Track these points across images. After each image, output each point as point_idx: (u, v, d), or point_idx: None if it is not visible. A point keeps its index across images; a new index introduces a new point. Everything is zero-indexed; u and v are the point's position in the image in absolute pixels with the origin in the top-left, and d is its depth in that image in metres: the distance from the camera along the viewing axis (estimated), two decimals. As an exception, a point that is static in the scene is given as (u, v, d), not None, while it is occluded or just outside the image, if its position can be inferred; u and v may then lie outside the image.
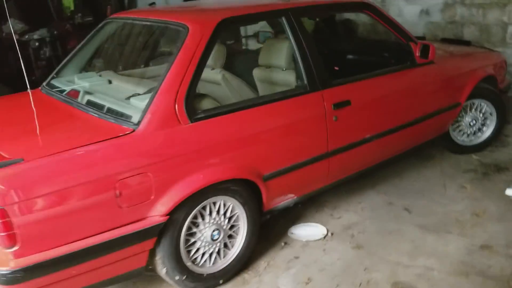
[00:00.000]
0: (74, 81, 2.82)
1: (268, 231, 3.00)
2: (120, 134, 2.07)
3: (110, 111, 2.29)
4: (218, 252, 2.49)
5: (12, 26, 5.91)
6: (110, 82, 2.79)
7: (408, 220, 3.05)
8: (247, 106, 2.45)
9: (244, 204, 2.48)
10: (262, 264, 2.71)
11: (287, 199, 2.76)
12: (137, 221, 2.10)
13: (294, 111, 2.60)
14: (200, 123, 2.26)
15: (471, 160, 3.84)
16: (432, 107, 3.34)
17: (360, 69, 3.06)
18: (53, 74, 2.99)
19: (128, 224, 2.07)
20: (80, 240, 1.97)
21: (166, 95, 2.19)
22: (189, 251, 2.38)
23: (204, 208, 2.37)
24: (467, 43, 4.32)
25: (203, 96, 2.47)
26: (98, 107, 2.36)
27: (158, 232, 2.16)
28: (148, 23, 2.77)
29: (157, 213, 2.14)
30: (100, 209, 2.00)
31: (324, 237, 2.92)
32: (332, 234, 2.95)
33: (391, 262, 2.64)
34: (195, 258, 2.42)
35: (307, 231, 2.99)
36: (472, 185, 3.45)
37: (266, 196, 2.56)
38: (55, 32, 5.96)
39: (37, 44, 5.89)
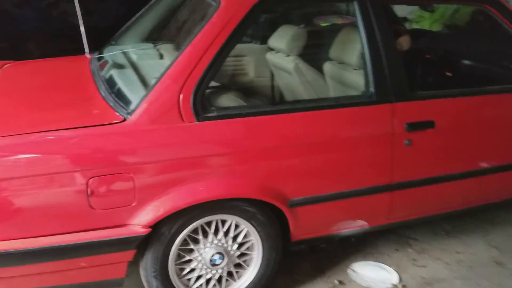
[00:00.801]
0: (126, 51, 2.56)
1: (325, 259, 2.48)
2: (105, 123, 1.73)
3: (117, 92, 1.96)
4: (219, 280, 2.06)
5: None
6: (161, 57, 2.48)
7: (515, 293, 2.28)
8: (280, 110, 1.93)
9: (259, 230, 1.99)
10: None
11: (329, 232, 2.19)
12: (113, 227, 1.76)
13: (345, 125, 2.01)
14: (209, 123, 1.81)
15: None
16: None
17: (476, 79, 2.32)
18: (111, 40, 2.76)
19: (100, 228, 1.74)
20: (41, 236, 1.70)
21: (171, 84, 1.78)
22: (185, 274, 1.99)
23: (208, 225, 1.95)
24: None
25: (223, 90, 2.01)
26: (112, 85, 2.05)
27: (137, 245, 1.80)
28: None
29: (138, 222, 1.77)
30: (67, 207, 1.69)
31: (393, 288, 2.30)
32: (404, 286, 2.32)
33: None
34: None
35: (374, 274, 2.39)
36: None
37: (294, 225, 2.04)
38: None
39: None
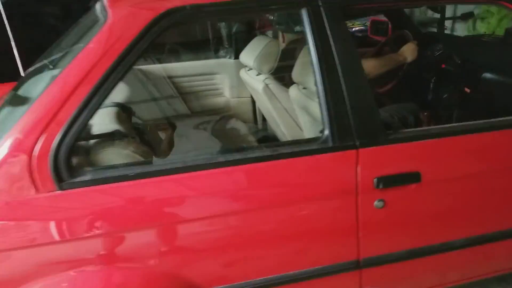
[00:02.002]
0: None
1: None
2: None
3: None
4: None
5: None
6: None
7: None
8: (187, 167, 1.36)
9: None
10: None
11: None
12: None
13: (285, 185, 1.42)
14: (78, 192, 1.28)
15: None
16: None
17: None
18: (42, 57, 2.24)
19: None
20: None
21: (19, 138, 1.25)
22: None
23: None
24: None
25: (111, 139, 1.46)
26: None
27: None
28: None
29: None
30: None
31: None
32: None
33: None
34: None
35: None
36: None
37: None
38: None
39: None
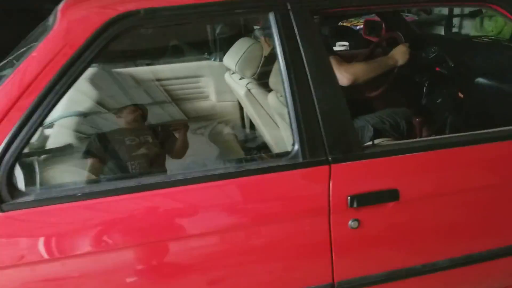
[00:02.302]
0: None
1: None
2: None
3: None
4: None
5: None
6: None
7: None
8: (142, 187, 1.24)
9: None
10: None
11: None
12: None
13: (250, 205, 1.31)
14: (21, 214, 1.17)
15: None
16: None
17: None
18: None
19: None
20: None
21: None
22: None
23: None
24: None
25: (56, 155, 1.36)
26: None
27: None
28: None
29: None
30: None
31: None
32: None
33: None
34: None
35: None
36: None
37: None
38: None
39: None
